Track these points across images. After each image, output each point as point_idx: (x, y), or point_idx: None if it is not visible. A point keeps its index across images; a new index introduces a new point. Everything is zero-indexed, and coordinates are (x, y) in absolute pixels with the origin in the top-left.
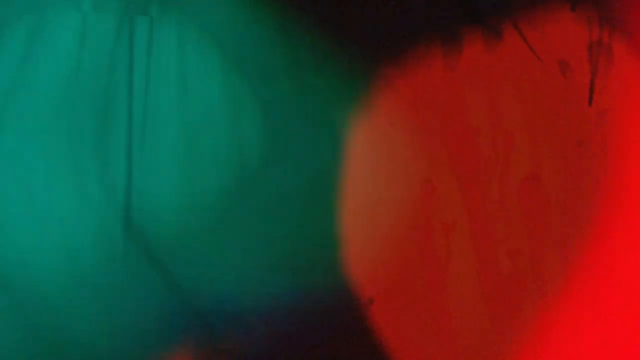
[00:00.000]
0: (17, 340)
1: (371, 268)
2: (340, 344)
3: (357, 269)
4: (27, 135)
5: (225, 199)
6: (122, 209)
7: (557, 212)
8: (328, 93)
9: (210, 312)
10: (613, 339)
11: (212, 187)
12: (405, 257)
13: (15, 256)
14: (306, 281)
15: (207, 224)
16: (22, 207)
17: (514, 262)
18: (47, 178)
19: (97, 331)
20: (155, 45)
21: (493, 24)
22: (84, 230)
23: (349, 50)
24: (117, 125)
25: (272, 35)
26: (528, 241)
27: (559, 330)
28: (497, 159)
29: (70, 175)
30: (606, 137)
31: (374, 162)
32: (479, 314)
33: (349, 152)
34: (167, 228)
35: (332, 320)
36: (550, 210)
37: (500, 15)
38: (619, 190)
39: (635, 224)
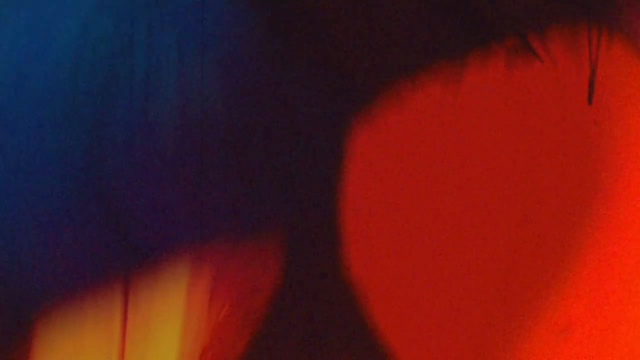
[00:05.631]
0: None
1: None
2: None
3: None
4: (23, 132)
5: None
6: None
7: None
8: (329, 94)
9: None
10: (612, 342)
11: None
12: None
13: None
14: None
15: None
16: (15, 204)
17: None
18: (40, 176)
19: None
20: (155, 48)
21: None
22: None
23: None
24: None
25: (269, 35)
26: (528, 243)
27: (557, 331)
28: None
29: (64, 173)
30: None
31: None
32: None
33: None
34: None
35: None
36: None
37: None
38: (619, 193)
39: (634, 226)
